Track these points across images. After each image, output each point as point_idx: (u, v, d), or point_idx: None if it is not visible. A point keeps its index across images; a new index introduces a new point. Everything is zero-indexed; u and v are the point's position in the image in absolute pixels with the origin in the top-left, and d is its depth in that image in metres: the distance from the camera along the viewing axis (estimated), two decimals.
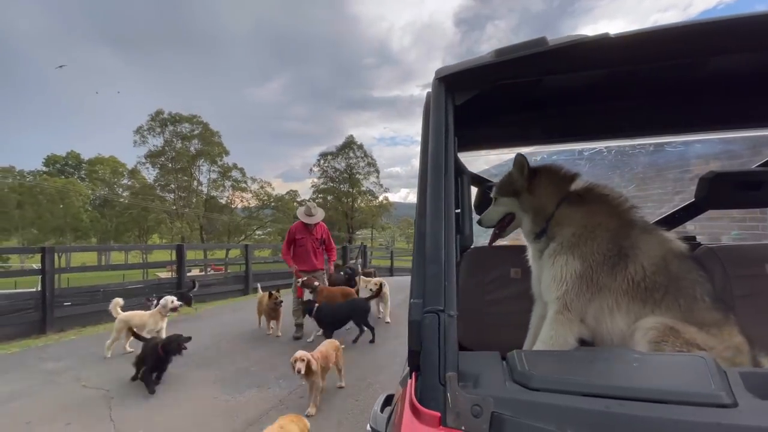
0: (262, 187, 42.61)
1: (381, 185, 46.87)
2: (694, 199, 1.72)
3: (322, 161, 45.50)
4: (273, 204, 41.57)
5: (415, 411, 0.64)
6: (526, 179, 1.37)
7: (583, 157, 1.88)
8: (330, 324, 4.61)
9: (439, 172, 0.86)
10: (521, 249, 1.66)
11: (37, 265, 6.63)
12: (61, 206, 35.93)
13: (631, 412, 0.55)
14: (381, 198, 47.24)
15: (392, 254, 19.69)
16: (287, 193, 44.48)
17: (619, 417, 0.55)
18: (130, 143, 37.93)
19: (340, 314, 4.72)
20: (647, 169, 2.05)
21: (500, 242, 1.77)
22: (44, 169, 41.43)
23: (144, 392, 3.37)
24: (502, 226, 1.48)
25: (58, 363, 4.26)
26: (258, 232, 41.69)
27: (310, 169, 46.04)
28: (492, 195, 1.48)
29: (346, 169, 45.10)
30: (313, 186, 45.42)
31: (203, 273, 15.24)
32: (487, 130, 1.64)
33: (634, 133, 1.71)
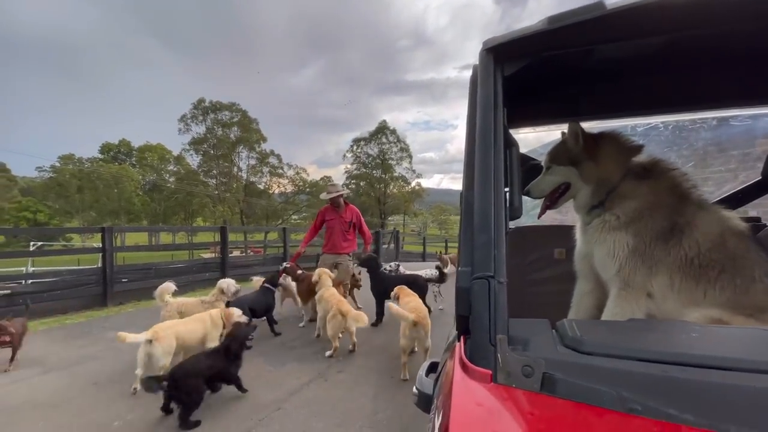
0: (297, 173, 43.69)
1: (414, 171, 46.63)
2: (760, 178, 1.59)
3: (355, 147, 45.81)
4: (308, 190, 42.49)
5: (465, 369, 0.66)
6: (582, 148, 1.30)
7: (636, 134, 1.77)
8: None
9: (488, 144, 0.86)
10: (565, 229, 1.61)
11: (97, 244, 7.22)
12: (116, 191, 38.67)
13: (692, 377, 0.54)
14: (413, 184, 47.03)
15: (425, 240, 19.66)
16: (321, 179, 45.20)
17: (678, 381, 0.54)
18: (176, 131, 39.95)
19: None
20: (708, 146, 1.90)
21: (543, 221, 1.74)
22: (100, 156, 44.59)
23: None
24: (553, 198, 1.40)
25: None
26: (294, 217, 42.91)
27: (344, 155, 46.53)
28: (544, 164, 1.41)
29: (378, 155, 45.12)
30: (346, 172, 45.94)
31: (243, 254, 15.93)
32: (534, 105, 1.59)
33: (696, 106, 1.59)
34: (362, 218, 5.50)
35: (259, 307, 4.39)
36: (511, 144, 0.96)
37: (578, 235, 1.43)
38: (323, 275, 4.42)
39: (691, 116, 1.78)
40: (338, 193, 5.26)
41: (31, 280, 8.69)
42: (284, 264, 5.16)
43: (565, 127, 1.43)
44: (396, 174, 45.69)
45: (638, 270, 1.20)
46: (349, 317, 3.68)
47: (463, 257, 0.78)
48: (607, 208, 1.27)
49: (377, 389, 3.04)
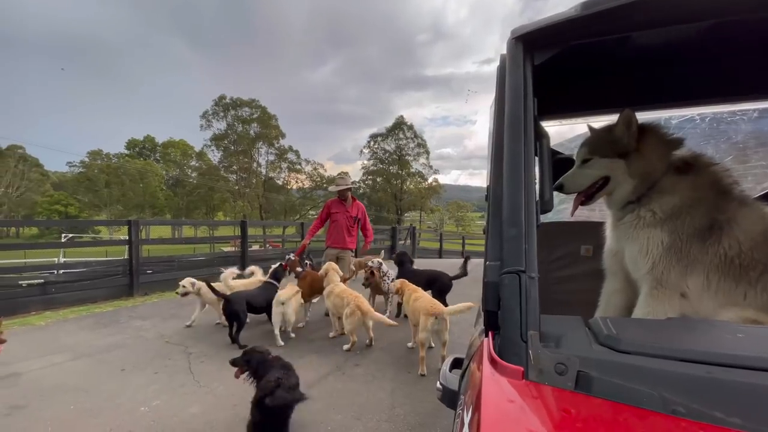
0: (315, 169, 44.15)
1: (431, 167, 46.38)
2: None
3: (372, 143, 45.84)
4: (325, 185, 42.84)
5: (495, 365, 0.64)
6: (634, 138, 1.22)
7: (670, 126, 1.69)
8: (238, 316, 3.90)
9: (518, 134, 0.83)
10: (592, 225, 1.56)
11: (124, 237, 7.47)
12: (141, 185, 39.98)
13: (740, 379, 0.51)
14: (430, 180, 46.78)
15: (441, 237, 19.53)
16: (338, 174, 45.41)
17: (724, 383, 0.51)
18: (197, 127, 40.89)
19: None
20: (748, 139, 1.79)
21: (568, 217, 1.69)
22: (126, 151, 46.13)
23: (217, 350, 3.74)
24: (590, 193, 1.32)
25: (145, 321, 4.83)
26: (311, 213, 43.40)
27: (361, 151, 46.60)
28: (582, 156, 1.33)
29: (395, 151, 45.04)
30: (363, 168, 46.02)
31: (262, 248, 16.21)
32: (562, 96, 1.53)
33: (737, 97, 1.51)
34: (366, 215, 5.42)
35: (258, 302, 4.15)
36: (541, 135, 0.93)
37: (608, 231, 1.37)
38: (330, 270, 4.28)
39: (731, 107, 1.69)
40: (346, 186, 5.17)
41: (62, 270, 9.08)
42: (289, 255, 4.97)
43: (592, 120, 1.38)
44: (413, 170, 45.53)
45: (672, 269, 1.14)
46: (368, 316, 3.66)
47: (491, 251, 0.76)
48: (642, 203, 1.21)
49: (394, 384, 3.04)
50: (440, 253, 17.32)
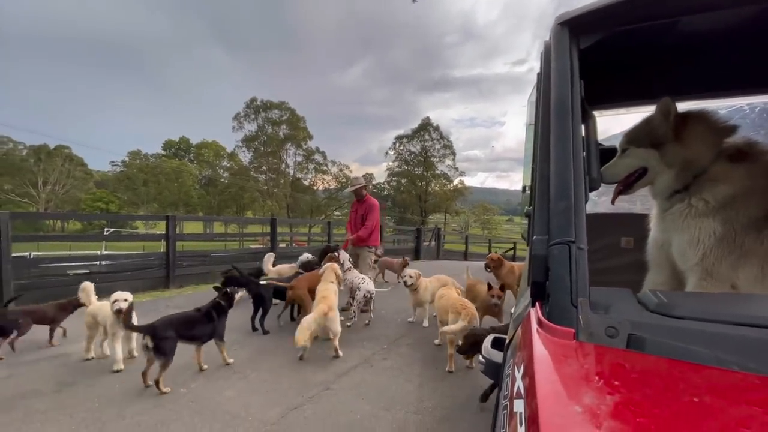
0: (341, 170, 44.67)
1: (456, 169, 45.94)
2: None
3: (397, 144, 45.88)
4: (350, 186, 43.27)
5: (544, 328, 0.66)
6: (670, 128, 1.20)
7: None
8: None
9: (566, 115, 0.85)
10: (633, 217, 1.54)
11: (160, 232, 7.84)
12: (176, 184, 41.70)
13: None
14: (456, 182, 46.27)
15: (467, 239, 19.29)
16: (363, 175, 45.82)
17: None
18: (230, 128, 42.30)
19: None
20: None
21: (608, 209, 1.66)
22: (163, 152, 48.30)
23: (251, 340, 3.88)
24: (628, 182, 1.32)
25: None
26: (336, 213, 43.90)
27: (386, 153, 46.76)
28: (620, 146, 1.33)
29: (421, 152, 44.87)
30: (388, 169, 46.13)
31: (287, 246, 16.57)
32: (607, 85, 1.51)
33: None
34: (373, 212, 5.29)
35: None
36: (588, 116, 0.93)
37: (653, 222, 1.35)
38: (328, 269, 4.09)
39: None
40: (352, 187, 5.51)
41: (104, 262, 9.62)
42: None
43: (637, 110, 1.36)
44: (438, 171, 45.22)
45: (724, 260, 1.11)
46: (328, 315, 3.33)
47: (538, 227, 0.77)
48: (692, 192, 1.18)
49: (422, 379, 3.05)
50: (465, 255, 17.13)
